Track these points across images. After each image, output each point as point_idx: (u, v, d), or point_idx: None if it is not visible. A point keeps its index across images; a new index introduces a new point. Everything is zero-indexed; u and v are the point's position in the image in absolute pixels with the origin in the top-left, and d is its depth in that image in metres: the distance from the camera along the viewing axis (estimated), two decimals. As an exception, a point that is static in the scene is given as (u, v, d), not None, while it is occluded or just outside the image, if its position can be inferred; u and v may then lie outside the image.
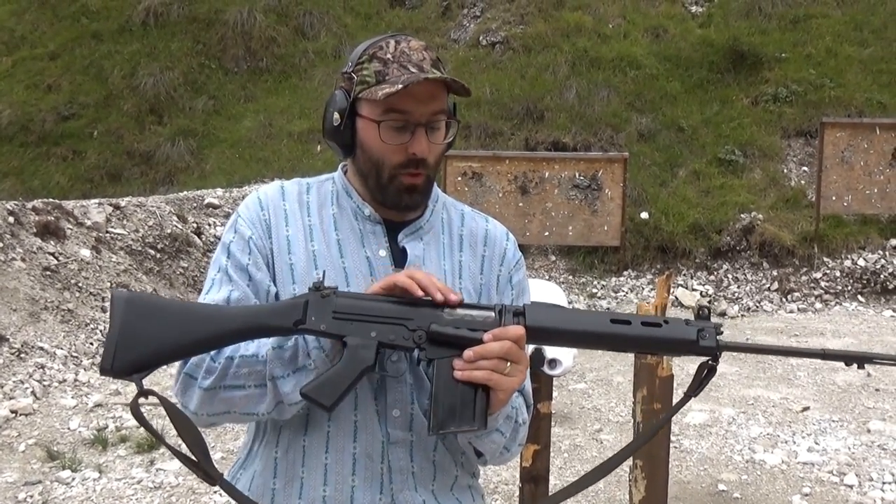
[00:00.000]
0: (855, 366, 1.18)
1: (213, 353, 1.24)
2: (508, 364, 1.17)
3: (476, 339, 1.17)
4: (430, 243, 1.37)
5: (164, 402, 1.19)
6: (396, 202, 1.32)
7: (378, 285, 1.22)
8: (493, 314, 1.20)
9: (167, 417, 1.21)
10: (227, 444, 4.61)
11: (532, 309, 1.21)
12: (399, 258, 1.34)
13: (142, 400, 1.18)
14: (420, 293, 1.18)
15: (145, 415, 1.23)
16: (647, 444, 2.76)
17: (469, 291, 1.37)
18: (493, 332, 1.17)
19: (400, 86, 1.22)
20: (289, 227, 1.34)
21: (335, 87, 1.36)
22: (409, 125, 1.27)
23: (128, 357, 1.15)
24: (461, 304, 1.22)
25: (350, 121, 1.31)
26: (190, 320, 1.19)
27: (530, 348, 1.41)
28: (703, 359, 1.23)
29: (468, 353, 1.16)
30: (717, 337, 1.20)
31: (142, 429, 1.20)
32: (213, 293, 1.31)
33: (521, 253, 1.48)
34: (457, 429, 1.19)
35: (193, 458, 1.18)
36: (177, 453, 1.20)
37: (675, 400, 3.45)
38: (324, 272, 1.23)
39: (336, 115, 1.31)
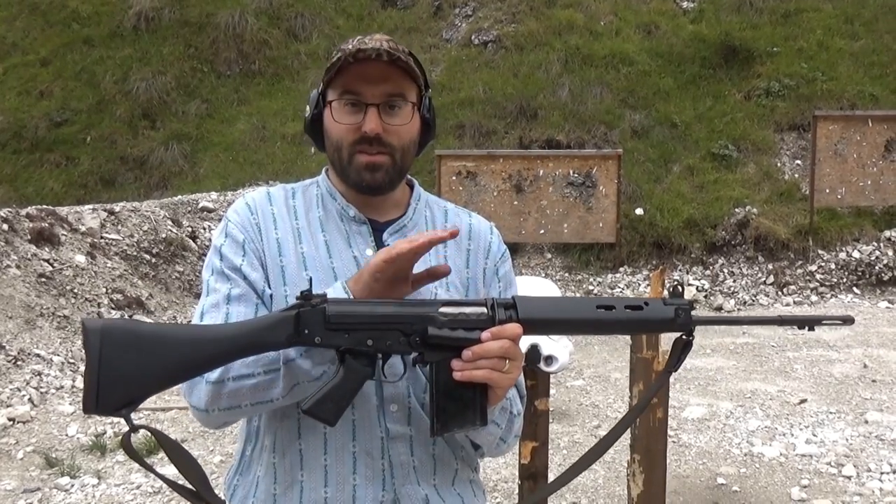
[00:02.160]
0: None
1: None
2: (507, 362, 1.18)
3: (473, 340, 1.17)
4: None
5: (158, 434, 1.17)
6: (358, 181, 1.33)
7: (379, 259, 1.21)
8: (485, 309, 1.21)
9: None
10: (227, 447, 4.60)
11: (522, 301, 1.23)
12: None
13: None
14: (422, 252, 1.20)
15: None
16: (645, 439, 2.77)
17: (455, 285, 1.39)
18: (490, 331, 1.18)
19: (335, 62, 1.28)
20: (277, 230, 1.36)
21: None
22: (362, 105, 1.31)
23: (112, 393, 1.09)
24: (453, 303, 1.23)
25: (321, 112, 1.37)
26: (174, 346, 1.12)
27: (525, 345, 1.43)
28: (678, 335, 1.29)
29: (467, 353, 1.16)
30: (692, 313, 1.26)
31: (140, 434, 1.16)
32: (214, 295, 1.30)
33: (505, 246, 1.50)
34: (459, 429, 1.20)
35: (193, 488, 1.16)
36: (176, 486, 1.17)
37: (672, 393, 3.46)
38: (310, 279, 1.22)
39: (307, 109, 1.38)
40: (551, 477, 3.09)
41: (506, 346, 1.17)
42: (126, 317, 6.51)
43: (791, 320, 1.28)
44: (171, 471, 1.12)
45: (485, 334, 1.17)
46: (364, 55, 1.27)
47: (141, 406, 1.16)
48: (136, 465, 4.32)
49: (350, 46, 1.30)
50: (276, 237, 1.35)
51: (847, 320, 1.27)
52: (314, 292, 1.18)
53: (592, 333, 1.29)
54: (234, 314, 1.28)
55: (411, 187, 1.45)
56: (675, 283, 1.29)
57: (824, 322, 1.26)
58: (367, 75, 1.29)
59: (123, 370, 1.09)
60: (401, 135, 1.33)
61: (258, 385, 1.22)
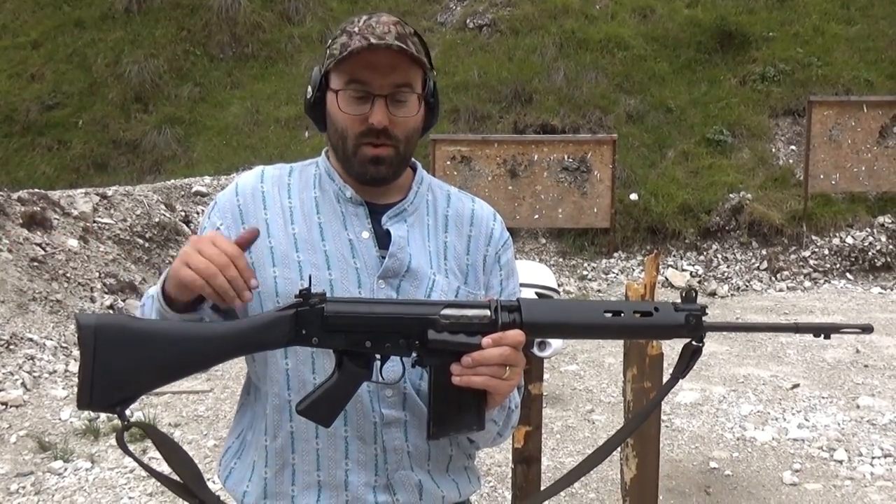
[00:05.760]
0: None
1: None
2: (507, 369, 1.16)
3: (473, 345, 1.15)
4: (414, 225, 1.37)
5: (152, 432, 1.17)
6: (362, 173, 1.31)
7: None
8: (488, 312, 1.17)
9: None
10: (220, 431, 4.60)
11: (526, 304, 1.19)
12: (383, 240, 1.33)
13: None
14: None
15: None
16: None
17: (455, 272, 1.37)
18: (491, 337, 1.15)
19: (345, 52, 1.24)
20: (267, 211, 1.34)
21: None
22: (369, 96, 1.27)
23: (106, 390, 1.09)
24: (455, 304, 1.20)
25: (322, 94, 1.33)
26: (168, 344, 1.12)
27: None
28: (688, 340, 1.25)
29: (466, 359, 1.14)
30: (703, 319, 1.21)
31: (134, 417, 1.17)
32: None
33: (508, 233, 1.47)
34: (456, 433, 1.19)
35: (186, 484, 1.17)
36: (171, 483, 1.18)
37: (665, 378, 3.47)
38: (310, 277, 1.20)
39: (309, 89, 1.35)
40: (544, 461, 3.11)
41: (506, 353, 1.14)
42: (119, 301, 6.49)
43: (808, 328, 1.23)
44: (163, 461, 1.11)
45: (485, 340, 1.14)
46: (374, 47, 1.23)
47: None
48: (130, 450, 4.32)
49: (356, 29, 1.26)
50: (265, 217, 1.33)
51: (866, 329, 1.23)
52: (314, 291, 1.16)
53: (599, 338, 1.25)
54: None
55: (414, 170, 1.42)
56: (689, 287, 1.25)
57: (842, 330, 1.22)
58: (376, 64, 1.25)
59: (117, 367, 1.09)
60: (406, 126, 1.30)
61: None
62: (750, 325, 1.30)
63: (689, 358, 1.23)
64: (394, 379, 1.24)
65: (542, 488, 2.88)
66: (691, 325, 1.20)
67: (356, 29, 1.27)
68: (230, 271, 1.12)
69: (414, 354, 1.18)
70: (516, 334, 1.15)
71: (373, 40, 1.24)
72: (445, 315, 1.17)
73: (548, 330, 1.21)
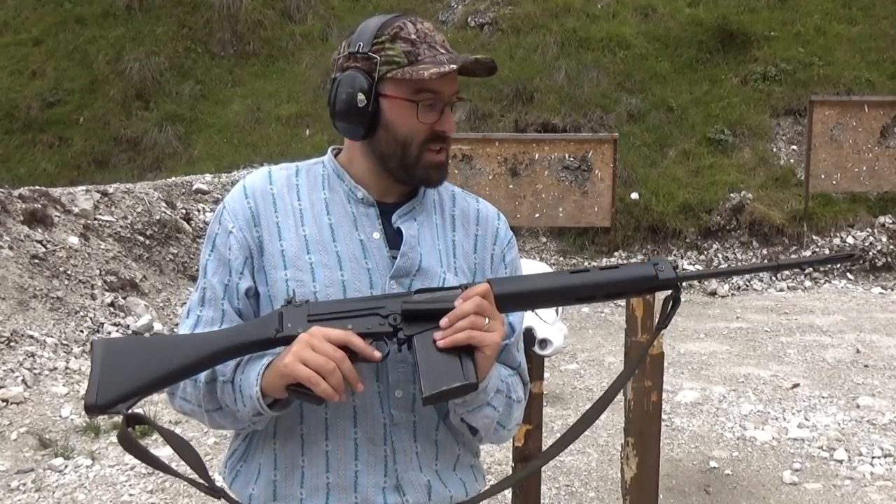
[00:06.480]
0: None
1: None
2: (486, 320, 1.19)
3: (449, 309, 1.20)
4: (423, 224, 1.37)
5: (156, 425, 1.22)
6: (426, 178, 1.34)
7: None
8: (459, 291, 1.23)
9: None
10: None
11: (495, 280, 1.26)
12: (393, 239, 1.34)
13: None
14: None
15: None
16: (639, 422, 2.78)
17: (463, 270, 1.38)
18: (461, 296, 1.21)
19: (453, 66, 1.27)
20: (277, 213, 1.33)
21: (337, 68, 1.33)
22: (437, 104, 1.30)
23: (111, 390, 1.16)
24: (427, 290, 1.25)
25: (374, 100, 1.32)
26: (170, 349, 1.22)
27: (523, 327, 1.43)
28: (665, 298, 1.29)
29: (444, 320, 1.19)
30: (675, 269, 1.25)
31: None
32: (198, 292, 1.35)
33: (512, 232, 1.49)
34: (448, 386, 1.17)
35: (194, 477, 1.22)
36: (178, 475, 1.25)
37: (665, 377, 3.46)
38: (294, 291, 1.26)
39: (361, 96, 1.29)
40: (545, 460, 3.11)
41: (477, 301, 1.19)
42: (120, 298, 6.50)
43: (790, 264, 1.26)
44: (166, 452, 1.12)
45: (456, 301, 1.20)
46: (477, 62, 1.29)
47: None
48: (131, 447, 4.32)
49: (413, 35, 1.29)
50: (276, 220, 1.32)
51: (852, 256, 1.25)
52: (302, 300, 1.25)
53: (574, 302, 1.28)
54: (204, 319, 1.32)
55: None
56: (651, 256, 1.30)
57: (829, 261, 1.24)
58: (448, 75, 1.29)
59: (123, 371, 1.17)
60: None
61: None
62: (726, 270, 1.34)
63: (668, 309, 1.27)
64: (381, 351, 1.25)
65: (543, 486, 2.88)
66: (662, 273, 1.22)
67: (414, 36, 1.30)
68: (345, 365, 1.17)
69: (393, 325, 1.21)
70: (481, 286, 1.21)
71: (441, 49, 1.30)
72: (420, 296, 1.23)
73: (521, 299, 1.25)
